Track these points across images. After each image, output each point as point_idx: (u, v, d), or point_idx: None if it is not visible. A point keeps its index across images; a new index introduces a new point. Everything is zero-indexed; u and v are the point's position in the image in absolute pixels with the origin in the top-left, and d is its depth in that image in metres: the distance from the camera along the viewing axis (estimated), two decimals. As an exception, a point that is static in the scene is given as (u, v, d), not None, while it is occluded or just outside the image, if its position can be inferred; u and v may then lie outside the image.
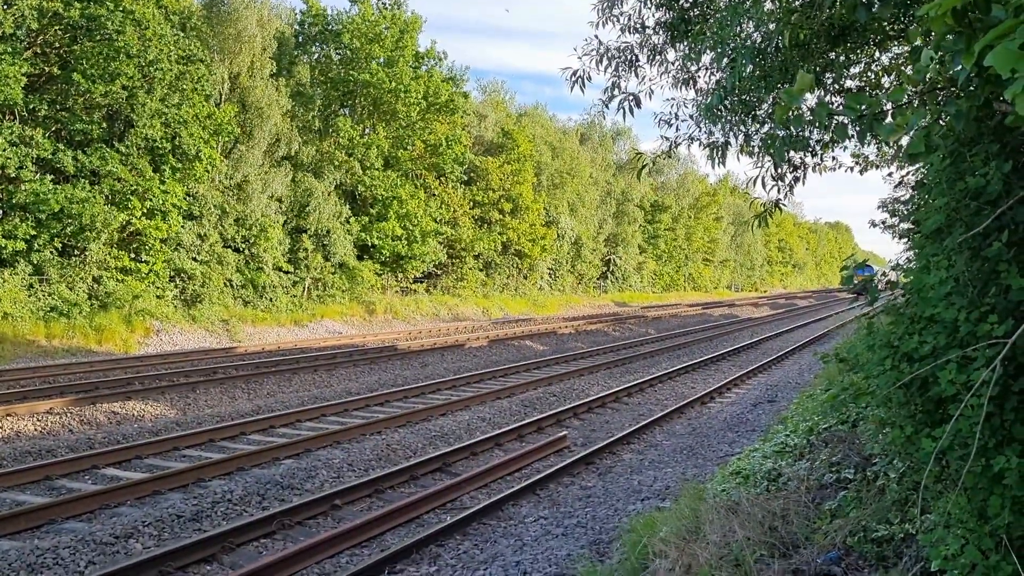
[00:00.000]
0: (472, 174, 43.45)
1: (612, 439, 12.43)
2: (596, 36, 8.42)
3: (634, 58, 8.50)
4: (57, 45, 23.91)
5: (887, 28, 7.26)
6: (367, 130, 36.94)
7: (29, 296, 22.31)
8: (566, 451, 12.08)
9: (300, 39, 35.65)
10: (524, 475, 10.65)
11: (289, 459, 11.06)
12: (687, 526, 6.00)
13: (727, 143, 8.09)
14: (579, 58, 8.41)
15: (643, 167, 9.03)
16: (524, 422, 13.52)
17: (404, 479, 10.17)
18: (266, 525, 8.17)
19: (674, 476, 10.31)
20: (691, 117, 8.44)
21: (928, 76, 3.21)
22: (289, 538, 8.09)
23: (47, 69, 23.64)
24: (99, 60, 23.30)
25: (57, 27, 23.40)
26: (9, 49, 21.53)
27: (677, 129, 8.57)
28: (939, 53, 2.72)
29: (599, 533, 8.16)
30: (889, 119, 2.91)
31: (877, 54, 8.54)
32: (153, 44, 24.35)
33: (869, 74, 8.86)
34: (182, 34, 26.61)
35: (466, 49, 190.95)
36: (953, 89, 3.37)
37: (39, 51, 23.59)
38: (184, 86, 25.83)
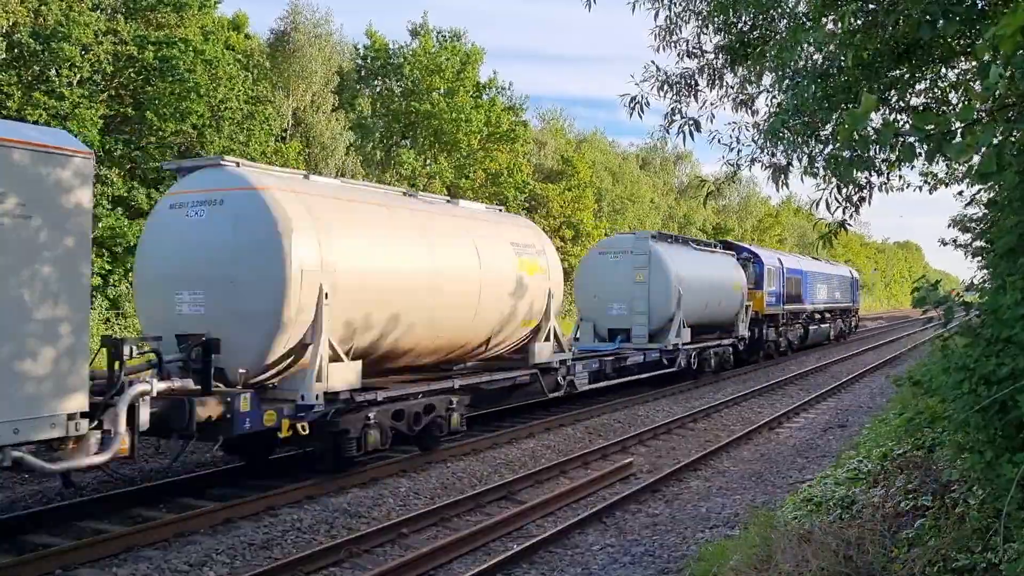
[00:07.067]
0: (533, 201, 43.61)
1: (678, 465, 12.27)
2: (654, 62, 8.46)
3: (694, 83, 8.53)
4: (131, 87, 24.85)
5: (953, 44, 7.13)
6: (428, 161, 37.45)
7: (107, 329, 23.01)
8: (632, 478, 11.95)
9: (362, 73, 36.40)
10: (590, 502, 10.56)
11: (356, 487, 11.16)
12: (758, 555, 5.89)
13: (790, 165, 8.04)
14: (636, 84, 8.47)
15: (708, 193, 9.01)
16: (589, 449, 13.43)
17: (470, 507, 10.18)
18: (334, 553, 8.25)
19: (743, 503, 10.14)
20: (753, 140, 8.41)
21: (998, 92, 3.15)
22: (357, 566, 8.14)
23: (121, 110, 24.55)
24: (171, 99, 24.14)
25: (131, 70, 24.33)
26: (87, 93, 22.46)
27: (739, 152, 8.55)
28: (1009, 70, 2.67)
29: (667, 562, 8.05)
30: (959, 138, 2.86)
31: (943, 70, 8.38)
32: (223, 83, 25.16)
33: (935, 91, 8.71)
34: (249, 73, 27.44)
35: (519, 76, 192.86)
36: (1024, 105, 3.30)
37: (113, 93, 24.53)
38: (252, 126, 26.55)
